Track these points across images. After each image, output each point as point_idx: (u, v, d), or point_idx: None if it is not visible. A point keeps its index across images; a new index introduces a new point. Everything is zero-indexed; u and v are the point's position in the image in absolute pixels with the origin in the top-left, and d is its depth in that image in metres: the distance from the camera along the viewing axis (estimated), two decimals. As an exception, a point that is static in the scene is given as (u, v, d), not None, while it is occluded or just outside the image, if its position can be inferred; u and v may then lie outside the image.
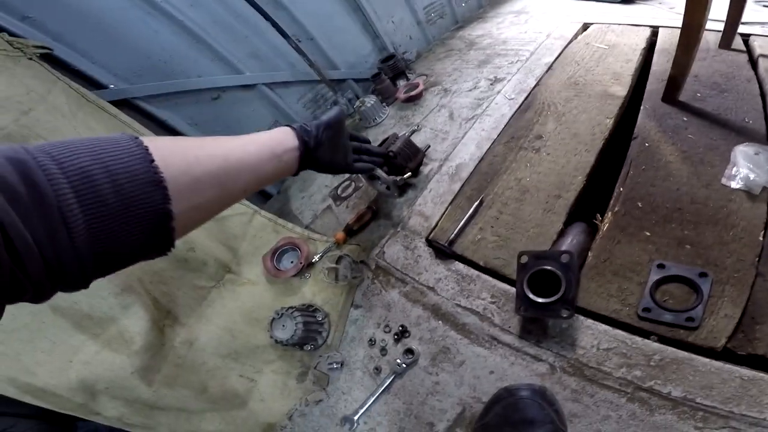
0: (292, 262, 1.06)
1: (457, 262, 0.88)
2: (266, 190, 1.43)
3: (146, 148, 0.41)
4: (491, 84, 1.32)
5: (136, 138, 0.42)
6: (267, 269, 1.06)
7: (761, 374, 0.61)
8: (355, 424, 0.83)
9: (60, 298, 0.83)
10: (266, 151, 0.64)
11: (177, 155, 0.46)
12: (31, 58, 0.89)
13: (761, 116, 0.95)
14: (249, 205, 1.15)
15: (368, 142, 0.97)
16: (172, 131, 1.21)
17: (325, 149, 0.77)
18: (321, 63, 1.44)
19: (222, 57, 1.24)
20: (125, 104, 1.10)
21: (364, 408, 0.83)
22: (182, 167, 0.46)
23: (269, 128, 1.36)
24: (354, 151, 0.91)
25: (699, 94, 1.03)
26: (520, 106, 1.14)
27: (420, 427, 0.75)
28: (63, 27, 0.98)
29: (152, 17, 1.09)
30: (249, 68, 1.31)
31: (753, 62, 1.16)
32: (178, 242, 1.04)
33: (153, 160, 0.41)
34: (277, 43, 1.32)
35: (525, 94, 1.17)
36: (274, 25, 1.26)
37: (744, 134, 0.90)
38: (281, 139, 0.69)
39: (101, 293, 0.84)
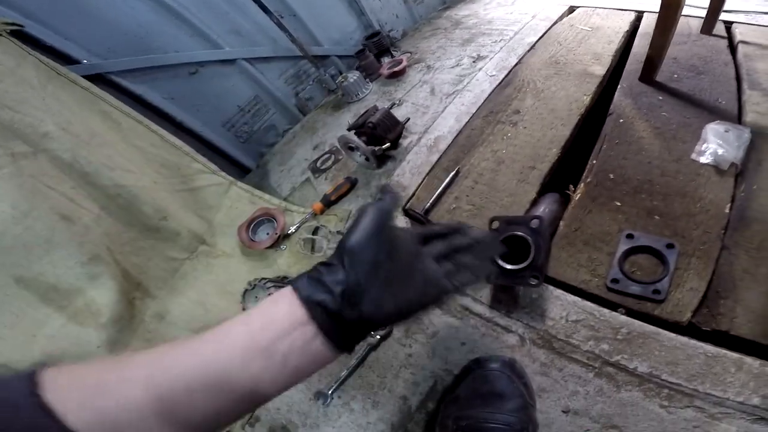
0: (267, 233, 1.05)
1: (432, 230, 0.88)
2: (244, 164, 1.41)
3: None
4: (474, 61, 1.32)
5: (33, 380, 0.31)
6: (242, 240, 1.04)
7: (724, 351, 0.62)
8: (329, 398, 0.82)
9: (25, 268, 0.80)
10: (249, 356, 0.36)
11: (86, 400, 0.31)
12: (0, 35, 0.87)
13: (734, 98, 0.97)
14: (225, 176, 1.13)
15: (457, 231, 0.51)
16: (148, 106, 1.19)
17: (375, 292, 0.39)
18: (304, 39, 1.42)
19: (201, 32, 1.22)
20: (99, 79, 1.08)
21: (340, 382, 0.82)
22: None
23: (249, 101, 1.43)
24: (438, 257, 0.47)
25: (676, 76, 1.05)
26: (500, 83, 1.15)
27: (394, 401, 0.75)
28: (35, 4, 0.97)
29: None
30: (229, 44, 1.30)
31: (732, 48, 1.18)
32: (150, 210, 1.00)
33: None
34: (258, 18, 1.31)
35: (506, 72, 1.18)
36: (256, 0, 1.24)
37: (716, 113, 0.92)
38: (272, 319, 0.37)
39: (68, 262, 0.82)
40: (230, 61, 1.31)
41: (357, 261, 0.39)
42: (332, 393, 0.84)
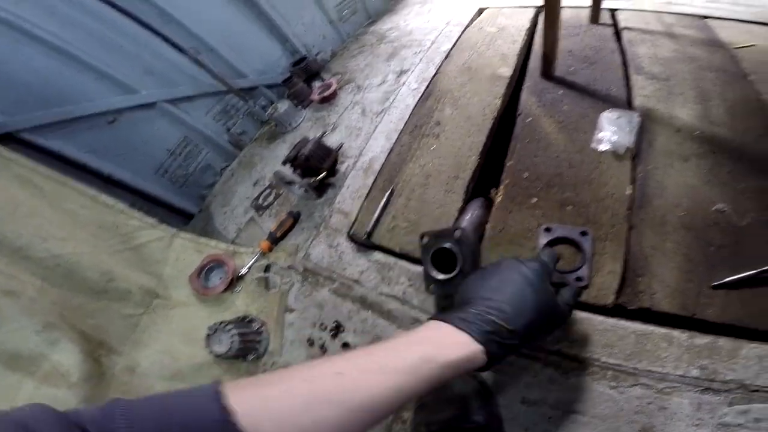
0: (220, 278, 1.06)
1: (376, 252, 0.93)
2: (186, 210, 1.39)
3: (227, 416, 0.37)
4: (398, 76, 1.38)
5: (221, 403, 0.38)
6: (195, 289, 1.05)
7: (652, 327, 0.67)
8: None
9: (-19, 342, 0.81)
10: (419, 373, 0.46)
11: (274, 415, 0.39)
12: None
13: (622, 84, 1.08)
14: (165, 228, 1.12)
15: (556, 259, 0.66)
16: (70, 162, 1.14)
17: (530, 342, 0.55)
18: (226, 73, 1.41)
19: (111, 77, 1.18)
20: (9, 138, 1.03)
21: None
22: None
23: (179, 144, 1.40)
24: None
25: (572, 68, 1.15)
26: (422, 95, 1.21)
27: None
28: None
29: (22, 44, 1.01)
30: (145, 86, 1.26)
31: (618, 34, 1.31)
32: (94, 274, 1.01)
33: None
34: (172, 57, 1.28)
35: (426, 83, 1.24)
36: (166, 39, 1.22)
37: (609, 101, 1.03)
38: (445, 344, 0.49)
39: (22, 333, 0.82)
40: (149, 105, 1.28)
41: (527, 339, 0.53)
42: None
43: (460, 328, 0.50)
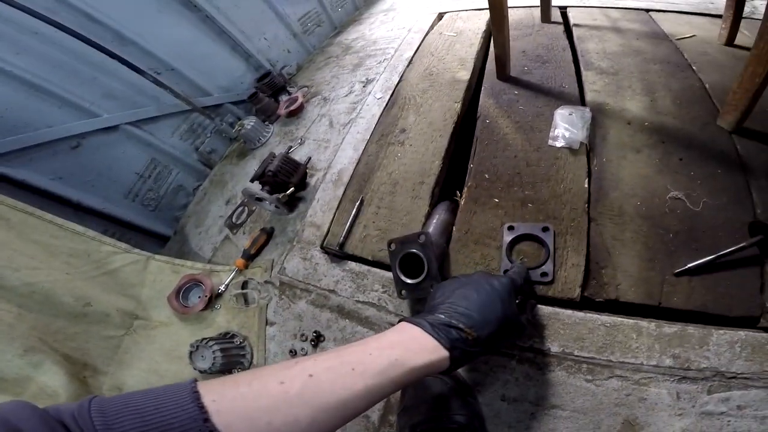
0: (199, 296, 1.06)
1: (349, 261, 0.95)
2: (161, 233, 1.38)
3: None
4: (363, 86, 1.40)
5: (198, 401, 0.39)
6: (174, 309, 1.05)
7: (620, 319, 0.68)
8: None
9: (-37, 367, 0.80)
10: (390, 376, 0.48)
11: (247, 414, 0.40)
12: None
13: (574, 80, 1.13)
14: (140, 252, 1.11)
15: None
16: (36, 191, 1.13)
17: (492, 350, 0.58)
18: (189, 92, 1.42)
19: (70, 102, 1.17)
20: None
21: None
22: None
23: (147, 166, 1.39)
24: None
25: (526, 68, 1.19)
26: (387, 104, 1.23)
27: (357, 421, 0.79)
28: None
29: None
30: (106, 109, 1.25)
31: (568, 31, 1.36)
32: (70, 300, 1.01)
33: None
34: (132, 79, 1.28)
35: (390, 92, 1.27)
36: (123, 61, 1.21)
37: (562, 98, 1.07)
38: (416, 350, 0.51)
39: (5, 357, 0.82)
40: (112, 128, 1.27)
41: (490, 347, 0.56)
42: None
43: (429, 334, 0.53)
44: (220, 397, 0.41)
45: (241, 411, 0.40)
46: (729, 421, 0.59)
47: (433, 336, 0.53)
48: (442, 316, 0.56)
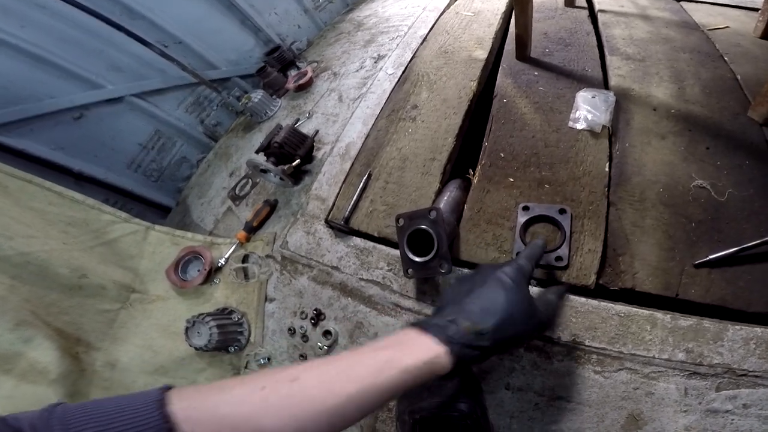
0: (198, 270, 1.03)
1: (354, 237, 0.92)
2: (163, 204, 1.36)
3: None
4: (375, 62, 1.36)
5: (163, 409, 0.37)
6: (172, 282, 1.03)
7: (635, 309, 0.65)
8: None
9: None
10: (381, 380, 0.43)
11: (220, 422, 0.38)
12: None
13: (598, 64, 1.09)
14: (139, 222, 1.09)
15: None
16: (37, 160, 1.11)
17: (505, 345, 0.53)
18: (197, 65, 1.39)
19: (75, 74, 1.16)
20: None
21: None
22: None
23: (150, 137, 1.37)
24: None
25: (547, 50, 1.15)
26: (398, 80, 1.19)
27: None
28: None
29: None
30: (111, 81, 1.24)
31: (593, 17, 1.31)
32: (65, 271, 0.99)
33: None
34: (139, 51, 1.26)
35: (402, 68, 1.23)
36: (130, 34, 1.19)
37: (584, 81, 1.03)
38: (409, 350, 0.47)
39: None
40: (117, 100, 1.26)
41: (500, 341, 0.50)
42: None
43: (425, 331, 0.49)
44: (191, 405, 0.39)
45: (212, 420, 0.38)
46: (732, 419, 0.57)
47: (429, 333, 0.48)
48: (442, 314, 0.53)
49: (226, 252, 1.04)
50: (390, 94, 1.16)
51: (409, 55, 1.28)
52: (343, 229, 0.92)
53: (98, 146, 1.24)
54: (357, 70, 1.38)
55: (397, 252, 0.84)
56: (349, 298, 0.87)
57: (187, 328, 0.90)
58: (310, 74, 1.43)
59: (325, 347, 0.86)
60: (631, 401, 0.62)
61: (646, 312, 0.66)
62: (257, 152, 1.05)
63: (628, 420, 0.62)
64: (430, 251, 0.71)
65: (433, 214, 0.70)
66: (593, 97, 0.96)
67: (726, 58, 1.05)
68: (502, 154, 0.90)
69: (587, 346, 0.66)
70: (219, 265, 1.03)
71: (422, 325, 0.51)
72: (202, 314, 0.91)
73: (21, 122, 1.08)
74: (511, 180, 0.86)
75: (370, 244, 0.89)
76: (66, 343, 0.89)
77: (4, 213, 0.91)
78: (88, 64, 1.18)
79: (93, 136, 1.23)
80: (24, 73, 1.07)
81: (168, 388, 0.40)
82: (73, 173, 1.19)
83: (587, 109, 0.94)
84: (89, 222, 1.04)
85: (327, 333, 0.87)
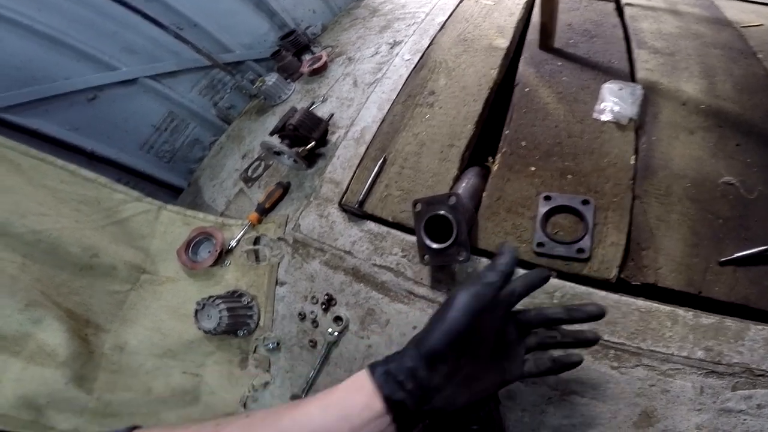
0: (209, 251, 1.03)
1: (368, 221, 0.90)
2: (175, 185, 1.35)
3: None
4: (391, 48, 1.33)
5: None
6: (183, 263, 1.02)
7: (656, 305, 0.64)
8: None
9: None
10: None
11: None
12: None
13: (625, 57, 1.06)
14: (151, 201, 1.08)
15: (568, 319, 0.53)
16: (51, 140, 1.12)
17: (451, 391, 0.44)
18: (211, 48, 1.37)
19: (89, 56, 1.16)
20: None
21: (310, 383, 0.84)
22: None
23: (164, 119, 1.37)
24: (531, 348, 0.54)
25: (572, 41, 1.12)
26: (415, 66, 1.17)
27: None
28: None
29: None
30: (125, 63, 1.23)
31: (619, 10, 1.28)
32: (77, 250, 1.00)
33: None
34: (153, 34, 1.25)
35: (420, 54, 1.20)
36: (145, 16, 1.19)
37: (610, 73, 1.00)
38: (350, 413, 0.42)
39: (4, 311, 0.80)
40: (131, 81, 1.25)
41: (438, 366, 0.43)
42: (305, 394, 0.85)
43: (367, 368, 0.45)
44: None
45: None
46: (745, 419, 0.56)
47: (367, 369, 0.44)
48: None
49: (237, 233, 1.03)
50: (406, 79, 1.14)
51: (426, 42, 1.26)
52: (356, 212, 0.90)
53: (111, 127, 1.25)
54: (372, 56, 1.35)
55: (412, 238, 0.83)
56: (362, 284, 0.86)
57: (196, 311, 0.89)
58: (324, 59, 1.41)
59: (336, 333, 0.85)
60: (646, 398, 0.61)
61: (667, 308, 0.64)
62: (271, 134, 1.04)
63: (640, 417, 0.61)
64: (447, 238, 0.69)
65: (453, 199, 0.68)
66: (620, 89, 0.93)
67: (759, 56, 1.01)
68: (523, 143, 0.88)
69: (606, 340, 0.65)
70: (230, 246, 1.02)
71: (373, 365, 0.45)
72: (213, 297, 0.90)
73: (35, 103, 1.09)
74: (533, 169, 0.84)
75: (384, 228, 0.87)
76: (75, 325, 0.89)
77: (17, 191, 0.92)
78: (102, 46, 1.19)
79: (106, 117, 1.23)
80: (39, 54, 1.08)
81: (134, 427, 0.41)
82: (86, 153, 1.19)
83: (614, 101, 0.91)
84: (101, 200, 1.04)
85: (338, 319, 0.86)
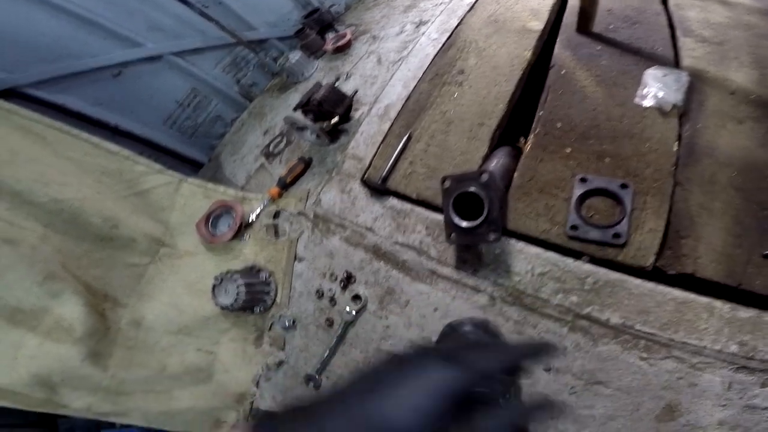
0: (228, 225, 1.02)
1: (391, 198, 0.88)
2: (196, 159, 1.36)
3: None
4: (416, 27, 1.30)
5: None
6: (202, 236, 1.01)
7: (693, 296, 0.62)
8: (318, 380, 0.84)
9: (-18, 295, 0.80)
10: None
11: None
12: None
13: (669, 44, 1.01)
14: (173, 174, 1.08)
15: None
16: (76, 115, 1.14)
17: None
18: (235, 26, 1.36)
19: (115, 33, 1.17)
20: (12, 94, 1.04)
21: (324, 363, 0.84)
22: None
23: (187, 95, 1.36)
24: None
25: (612, 26, 1.07)
26: (443, 45, 1.14)
27: None
28: None
29: (21, 5, 1.01)
30: (150, 40, 1.24)
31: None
32: (98, 220, 0.99)
33: None
34: (179, 11, 1.25)
35: (447, 34, 1.17)
36: None
37: (654, 60, 0.95)
38: None
39: (23, 284, 0.81)
40: (156, 58, 1.26)
41: None
42: (319, 375, 0.84)
43: None
44: None
45: None
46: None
47: None
48: None
49: (257, 207, 1.01)
50: (433, 58, 1.10)
51: (454, 22, 1.22)
52: (379, 188, 0.88)
53: (136, 102, 1.26)
54: (397, 34, 1.32)
55: (437, 216, 0.80)
56: (382, 262, 0.84)
57: (214, 286, 0.89)
58: (348, 36, 1.38)
59: (353, 312, 0.83)
60: (672, 391, 0.59)
61: (704, 300, 0.62)
62: (296, 108, 1.02)
63: (664, 410, 0.59)
64: (476, 217, 0.66)
65: (485, 177, 0.65)
66: (665, 75, 0.89)
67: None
68: (558, 124, 0.84)
69: (637, 330, 0.62)
70: (249, 221, 1.01)
71: None
72: (231, 272, 0.89)
73: (62, 78, 1.11)
74: (568, 150, 0.80)
75: (407, 206, 0.85)
76: (94, 300, 0.89)
77: (42, 161, 0.92)
78: (129, 24, 1.20)
79: (131, 93, 1.25)
80: (68, 31, 1.10)
81: None
82: (110, 127, 1.22)
83: (658, 87, 0.87)
84: (123, 172, 1.04)
85: (356, 297, 0.84)
